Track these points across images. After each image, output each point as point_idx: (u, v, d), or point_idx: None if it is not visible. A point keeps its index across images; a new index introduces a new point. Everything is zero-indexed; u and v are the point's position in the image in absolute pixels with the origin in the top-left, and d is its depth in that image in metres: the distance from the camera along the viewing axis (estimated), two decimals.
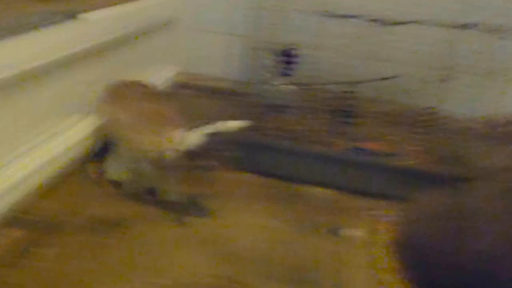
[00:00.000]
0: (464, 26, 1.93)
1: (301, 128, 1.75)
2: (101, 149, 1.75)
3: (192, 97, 2.56)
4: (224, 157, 1.72)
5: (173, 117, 1.50)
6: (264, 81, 1.98)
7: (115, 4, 1.83)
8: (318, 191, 1.73)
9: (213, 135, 1.34)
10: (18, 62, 1.28)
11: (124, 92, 1.58)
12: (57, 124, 1.57)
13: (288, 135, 1.78)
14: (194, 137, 1.35)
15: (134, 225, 1.41)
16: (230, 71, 2.76)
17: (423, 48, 1.97)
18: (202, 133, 1.35)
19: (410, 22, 1.97)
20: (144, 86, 1.67)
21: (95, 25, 1.64)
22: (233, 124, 1.39)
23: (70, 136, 1.61)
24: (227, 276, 1.27)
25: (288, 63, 2.08)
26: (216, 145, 1.47)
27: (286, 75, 2.10)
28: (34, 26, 1.33)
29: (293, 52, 2.14)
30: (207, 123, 1.43)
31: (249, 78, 2.00)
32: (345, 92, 2.10)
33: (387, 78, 2.24)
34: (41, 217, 1.39)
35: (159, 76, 2.40)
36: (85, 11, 1.58)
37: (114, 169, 1.62)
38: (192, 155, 1.41)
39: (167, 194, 1.54)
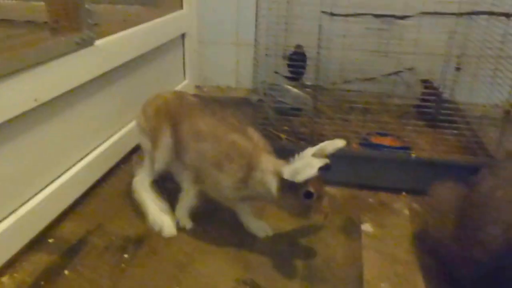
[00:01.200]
0: (472, 13, 1.92)
1: (314, 129, 1.77)
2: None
3: None
4: None
5: (259, 140, 1.37)
6: (275, 86, 2.01)
7: (126, 28, 1.89)
8: (335, 189, 1.75)
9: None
10: (39, 92, 1.35)
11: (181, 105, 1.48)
12: (81, 146, 1.65)
13: (302, 137, 1.80)
14: (310, 170, 1.17)
15: (159, 240, 1.46)
16: (244, 80, 2.81)
17: (432, 39, 1.97)
18: (319, 163, 1.16)
19: (416, 14, 1.96)
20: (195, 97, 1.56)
21: (110, 50, 1.71)
22: (336, 145, 1.24)
23: (94, 157, 1.69)
24: (247, 281, 1.30)
25: (298, 66, 2.11)
26: None
27: (297, 77, 2.12)
28: (52, 57, 1.39)
29: (302, 54, 2.16)
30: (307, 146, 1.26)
31: (261, 85, 2.03)
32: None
33: (399, 72, 2.25)
34: (65, 239, 1.44)
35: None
36: (100, 37, 1.64)
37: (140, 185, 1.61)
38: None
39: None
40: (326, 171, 1.18)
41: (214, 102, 1.53)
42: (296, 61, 2.10)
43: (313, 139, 1.75)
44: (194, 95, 1.59)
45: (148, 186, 1.54)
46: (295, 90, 2.01)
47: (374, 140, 1.85)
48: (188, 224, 1.51)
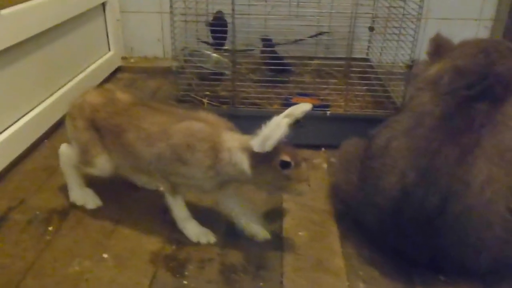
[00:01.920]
0: None
1: (236, 93, 1.81)
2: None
3: (137, 80, 2.59)
4: None
5: (215, 119, 1.29)
6: (195, 52, 2.02)
7: None
8: None
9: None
10: None
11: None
12: None
13: (225, 101, 1.84)
14: (279, 130, 1.11)
15: (84, 211, 1.47)
16: (171, 50, 2.79)
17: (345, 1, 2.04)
18: (287, 120, 1.11)
19: None
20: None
21: (19, 20, 1.64)
22: (303, 109, 1.17)
23: (12, 132, 1.65)
24: (173, 241, 1.36)
25: (220, 32, 2.12)
26: None
27: (220, 43, 2.14)
28: None
29: (223, 20, 2.18)
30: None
31: (182, 52, 2.03)
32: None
33: (317, 35, 2.32)
34: None
35: (100, 62, 2.42)
36: (6, 6, 1.58)
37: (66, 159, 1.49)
38: None
39: None
40: (298, 128, 1.12)
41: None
42: (218, 27, 2.12)
43: (235, 103, 1.80)
44: (124, 91, 1.42)
45: (73, 167, 1.45)
46: (215, 55, 2.04)
47: (295, 101, 1.93)
48: (211, 238, 1.36)
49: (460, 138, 1.20)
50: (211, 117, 1.29)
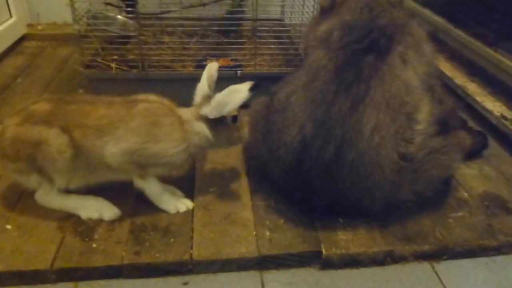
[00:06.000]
0: None
1: (146, 56, 1.78)
2: None
3: (46, 48, 2.47)
4: None
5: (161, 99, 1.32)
6: (99, 15, 1.94)
7: None
8: None
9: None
10: None
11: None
12: None
13: (133, 65, 1.80)
14: (240, 95, 1.22)
15: None
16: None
17: None
18: (246, 86, 1.21)
19: None
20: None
21: None
22: (214, 68, 1.31)
23: None
24: None
25: None
26: None
27: (128, 5, 2.07)
28: None
29: None
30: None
31: (87, 15, 1.95)
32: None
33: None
34: None
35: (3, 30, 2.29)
36: None
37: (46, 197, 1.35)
38: None
39: None
40: (256, 90, 1.21)
41: None
42: None
43: (145, 66, 1.77)
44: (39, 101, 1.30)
45: (56, 193, 1.32)
46: (121, 17, 1.98)
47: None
48: (188, 203, 1.37)
49: (351, 89, 1.26)
50: (153, 97, 1.31)
